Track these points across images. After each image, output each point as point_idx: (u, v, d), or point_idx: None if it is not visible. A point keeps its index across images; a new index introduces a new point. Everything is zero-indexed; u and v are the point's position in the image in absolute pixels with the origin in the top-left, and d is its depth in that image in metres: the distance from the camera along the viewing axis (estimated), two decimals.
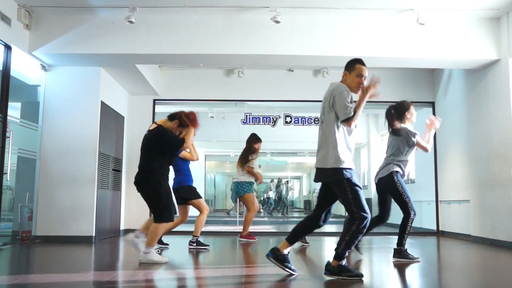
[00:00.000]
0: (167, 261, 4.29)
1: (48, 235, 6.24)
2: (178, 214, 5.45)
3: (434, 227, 8.06)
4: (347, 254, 3.43)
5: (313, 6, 5.80)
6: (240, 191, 6.58)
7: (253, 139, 6.66)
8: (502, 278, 3.84)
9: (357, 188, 3.37)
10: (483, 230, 6.46)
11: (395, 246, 4.56)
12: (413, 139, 4.50)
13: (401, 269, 4.21)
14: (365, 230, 3.37)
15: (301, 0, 5.69)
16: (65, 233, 6.27)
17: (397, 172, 4.44)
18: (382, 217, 4.63)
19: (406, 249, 4.53)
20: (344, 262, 3.41)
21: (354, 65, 3.59)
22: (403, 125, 4.60)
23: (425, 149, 4.62)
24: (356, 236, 3.36)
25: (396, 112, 4.65)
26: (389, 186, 4.45)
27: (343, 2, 5.70)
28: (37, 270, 3.91)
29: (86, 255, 5.20)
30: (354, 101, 3.52)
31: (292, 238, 3.59)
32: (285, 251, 3.57)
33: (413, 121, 4.71)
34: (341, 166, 3.35)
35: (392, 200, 4.56)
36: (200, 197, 5.61)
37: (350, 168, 3.39)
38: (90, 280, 3.49)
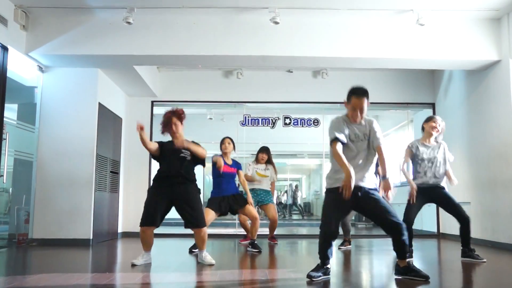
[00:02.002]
0: (133, 263, 4.33)
1: (45, 238, 6.22)
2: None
3: (434, 229, 8.06)
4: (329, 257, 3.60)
5: (312, 7, 5.81)
6: None
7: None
8: (503, 280, 3.84)
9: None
10: (484, 232, 6.45)
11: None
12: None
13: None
14: (323, 239, 3.55)
15: (300, 1, 5.69)
16: (62, 236, 6.25)
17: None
18: (460, 222, 4.78)
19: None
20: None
21: (350, 97, 3.71)
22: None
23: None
24: (319, 243, 3.58)
25: None
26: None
27: (343, 3, 5.70)
28: (34, 274, 3.90)
29: (84, 258, 5.19)
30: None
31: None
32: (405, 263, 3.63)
33: (432, 133, 4.87)
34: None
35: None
36: (207, 207, 5.55)
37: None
38: (87, 283, 3.48)
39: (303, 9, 5.85)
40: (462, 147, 7.21)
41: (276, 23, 5.72)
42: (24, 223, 6.19)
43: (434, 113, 8.23)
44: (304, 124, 8.50)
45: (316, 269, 3.58)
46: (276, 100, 8.29)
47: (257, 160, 6.66)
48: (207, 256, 4.48)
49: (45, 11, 5.86)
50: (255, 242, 5.64)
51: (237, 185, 5.87)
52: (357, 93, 3.66)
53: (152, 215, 4.34)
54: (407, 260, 3.62)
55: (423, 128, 4.94)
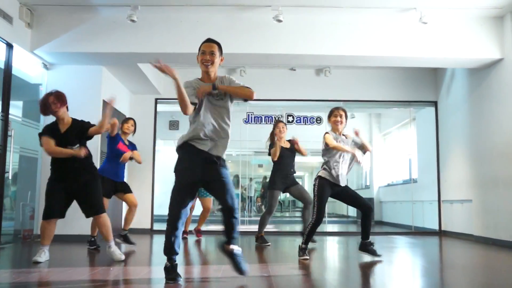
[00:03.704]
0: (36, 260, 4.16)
1: None
2: None
3: (436, 227, 8.05)
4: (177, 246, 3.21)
5: (315, 5, 5.80)
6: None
7: None
8: (505, 278, 3.84)
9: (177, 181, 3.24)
10: (486, 230, 6.45)
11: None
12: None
13: (403, 269, 4.21)
14: (171, 227, 3.16)
15: None
16: (66, 232, 6.26)
17: (319, 176, 4.51)
18: (363, 211, 4.61)
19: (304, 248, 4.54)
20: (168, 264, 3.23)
21: (200, 47, 3.50)
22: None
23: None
24: (167, 235, 3.19)
25: None
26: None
27: (346, 1, 5.69)
28: (39, 269, 3.92)
29: (88, 253, 5.21)
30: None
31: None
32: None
33: (337, 127, 4.60)
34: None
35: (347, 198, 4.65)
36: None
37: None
38: (92, 278, 3.50)
39: (306, 7, 5.84)
40: (464, 145, 7.20)
41: (279, 21, 5.72)
42: (29, 219, 6.22)
43: (436, 111, 8.21)
44: (307, 122, 8.50)
45: (170, 272, 3.18)
46: (279, 98, 8.28)
47: None
48: (116, 250, 4.26)
49: (50, 9, 5.87)
50: (127, 234, 5.54)
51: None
52: (207, 40, 3.47)
53: (52, 207, 4.23)
54: (232, 247, 3.34)
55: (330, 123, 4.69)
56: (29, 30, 5.90)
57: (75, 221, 6.30)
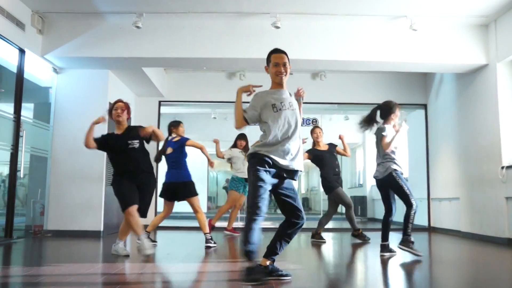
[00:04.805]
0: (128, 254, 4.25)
1: (59, 229, 6.26)
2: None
3: (425, 223, 8.08)
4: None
5: (311, 13, 5.83)
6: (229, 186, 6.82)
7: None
8: (490, 271, 3.87)
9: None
10: (472, 226, 6.48)
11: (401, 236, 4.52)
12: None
13: (394, 263, 4.23)
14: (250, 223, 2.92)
15: (300, 7, 5.71)
16: (75, 227, 6.29)
17: (395, 170, 4.45)
18: (388, 213, 4.62)
19: (413, 241, 4.44)
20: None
21: (269, 57, 3.34)
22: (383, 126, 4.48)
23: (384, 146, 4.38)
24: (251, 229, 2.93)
25: (381, 112, 4.56)
26: (391, 184, 4.48)
27: (340, 9, 5.72)
28: (49, 263, 3.95)
29: (95, 248, 5.23)
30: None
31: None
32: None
33: (397, 123, 4.53)
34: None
35: (395, 195, 4.56)
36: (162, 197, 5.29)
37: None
38: (98, 273, 3.52)
39: (302, 14, 5.87)
40: (452, 146, 7.24)
41: (277, 27, 5.74)
42: (40, 215, 6.24)
43: (426, 114, 8.23)
44: (303, 124, 8.51)
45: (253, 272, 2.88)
46: None
47: (236, 147, 6.63)
48: (122, 247, 4.35)
49: (60, 16, 5.89)
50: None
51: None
52: (276, 50, 3.35)
53: (132, 194, 4.11)
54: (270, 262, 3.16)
55: (387, 115, 4.51)
56: (40, 36, 5.92)
57: (83, 217, 6.34)
